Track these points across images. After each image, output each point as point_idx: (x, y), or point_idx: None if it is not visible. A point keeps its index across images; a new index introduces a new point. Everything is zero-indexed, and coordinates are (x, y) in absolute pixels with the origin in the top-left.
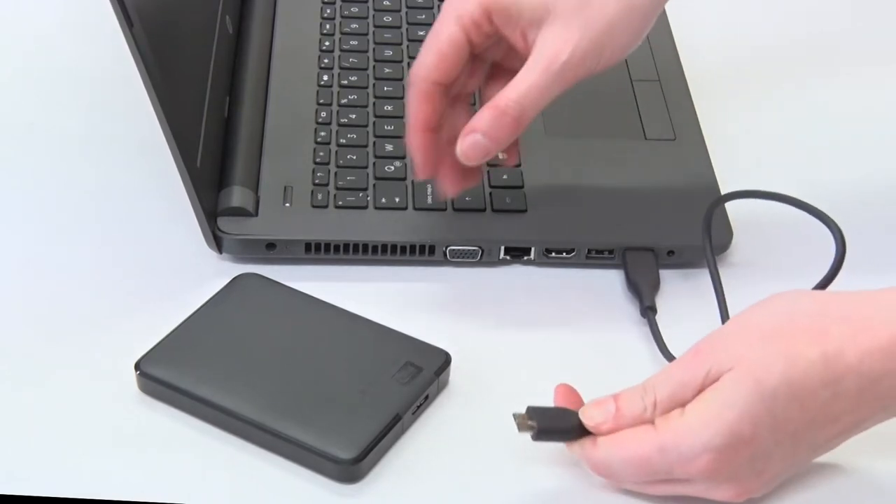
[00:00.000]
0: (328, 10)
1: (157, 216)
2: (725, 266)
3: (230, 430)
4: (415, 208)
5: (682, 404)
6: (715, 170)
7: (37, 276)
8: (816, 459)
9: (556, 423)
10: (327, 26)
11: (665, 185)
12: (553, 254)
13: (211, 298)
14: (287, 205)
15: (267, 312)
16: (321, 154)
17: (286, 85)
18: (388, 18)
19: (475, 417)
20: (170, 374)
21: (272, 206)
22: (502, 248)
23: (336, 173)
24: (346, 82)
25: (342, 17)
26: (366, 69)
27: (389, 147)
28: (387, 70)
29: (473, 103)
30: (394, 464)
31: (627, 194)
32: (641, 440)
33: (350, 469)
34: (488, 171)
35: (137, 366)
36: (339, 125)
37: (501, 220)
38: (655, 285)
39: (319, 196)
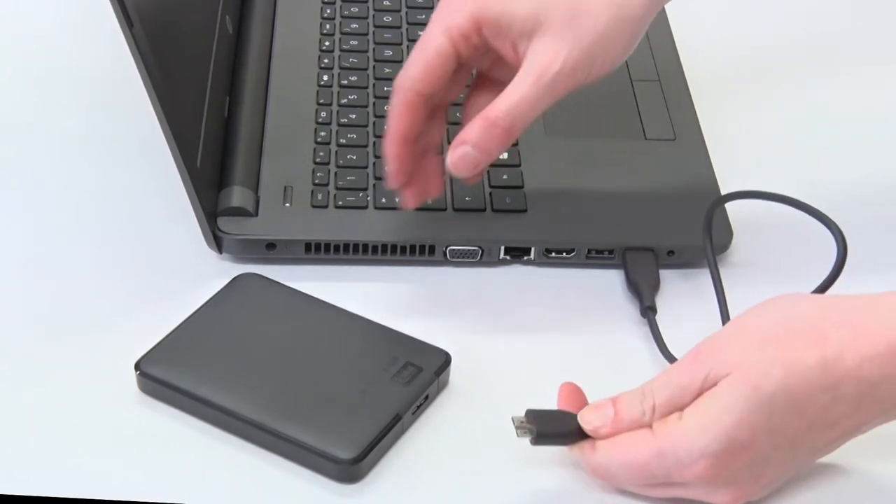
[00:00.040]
0: (328, 10)
1: (157, 216)
2: (725, 266)
3: (230, 430)
4: (415, 208)
5: (681, 408)
6: (715, 170)
7: (37, 276)
8: (822, 458)
9: (555, 428)
10: (327, 26)
11: (665, 185)
12: (553, 254)
13: (211, 298)
14: (287, 205)
15: (267, 312)
16: (321, 154)
17: (286, 85)
18: (388, 18)
19: (475, 417)
20: (170, 374)
21: (272, 206)
22: (502, 248)
23: (336, 173)
24: (346, 82)
25: (342, 17)
26: (366, 69)
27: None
28: (387, 70)
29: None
30: (394, 464)
31: (627, 194)
32: (639, 445)
33: (350, 469)
34: (488, 172)
35: (137, 366)
36: (339, 125)
37: (501, 220)
38: (655, 285)
39: (319, 196)
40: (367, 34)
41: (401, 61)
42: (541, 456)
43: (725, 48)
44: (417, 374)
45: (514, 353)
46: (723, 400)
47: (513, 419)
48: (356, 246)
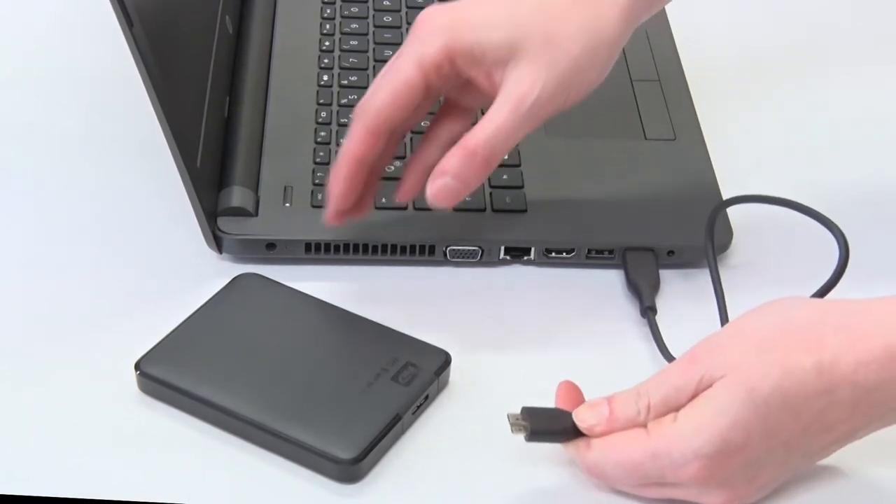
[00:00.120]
0: (328, 10)
1: (157, 216)
2: (725, 268)
3: (230, 430)
4: (415, 208)
5: (676, 409)
6: (715, 170)
7: (37, 276)
8: (817, 462)
9: (550, 425)
10: (327, 26)
11: (665, 185)
12: (553, 254)
13: (211, 298)
14: (287, 205)
15: (267, 312)
16: (321, 154)
17: (286, 85)
18: (388, 18)
19: (475, 417)
20: (170, 374)
21: (272, 206)
22: (502, 248)
23: None
24: (346, 82)
25: (342, 17)
26: (366, 69)
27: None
28: None
29: None
30: (394, 464)
31: (627, 194)
32: (634, 445)
33: (350, 469)
34: None
35: (137, 366)
36: (339, 125)
37: (501, 220)
38: (655, 285)
39: (319, 196)
40: (367, 34)
41: None
42: (540, 456)
43: (725, 48)
44: (417, 374)
45: (514, 353)
46: (718, 402)
47: (508, 416)
48: (356, 246)
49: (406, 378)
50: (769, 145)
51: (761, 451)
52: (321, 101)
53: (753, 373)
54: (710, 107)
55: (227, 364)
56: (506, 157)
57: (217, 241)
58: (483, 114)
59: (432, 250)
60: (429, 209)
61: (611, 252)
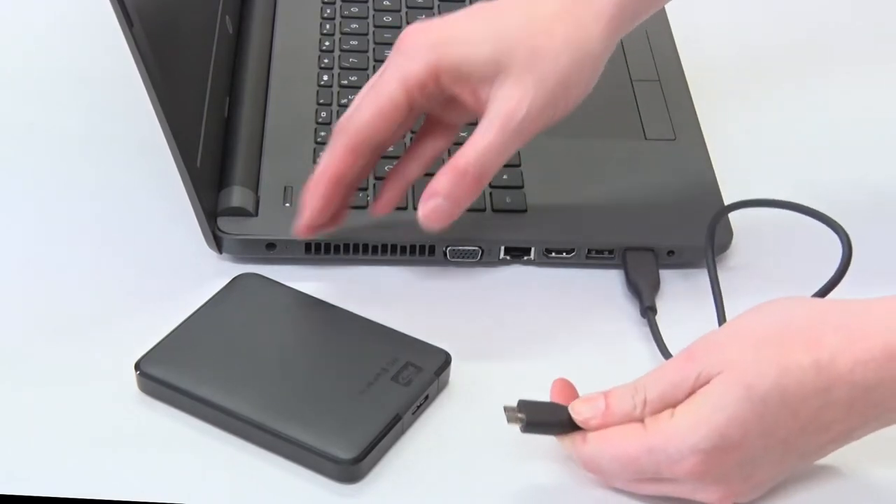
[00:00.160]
0: (328, 10)
1: (157, 216)
2: (725, 269)
3: (230, 430)
4: (415, 208)
5: (673, 405)
6: (715, 170)
7: (37, 276)
8: (814, 463)
9: (546, 417)
10: (327, 26)
11: (665, 185)
12: (553, 254)
13: (211, 298)
14: (287, 205)
15: (267, 312)
16: (321, 154)
17: (286, 85)
18: (388, 18)
19: (475, 417)
20: (170, 374)
21: (272, 206)
22: (502, 248)
23: None
24: (346, 82)
25: (342, 17)
26: (366, 69)
27: (389, 147)
28: None
29: None
30: (394, 464)
31: (627, 194)
32: (630, 439)
33: (350, 469)
34: None
35: (137, 366)
36: None
37: (501, 220)
38: (655, 285)
39: None
40: (367, 34)
41: None
42: (541, 456)
43: (725, 48)
44: (417, 374)
45: (514, 353)
46: (715, 398)
47: (504, 408)
48: (356, 246)
49: (406, 378)
50: (769, 145)
51: (758, 448)
52: (321, 101)
53: (751, 370)
54: (710, 107)
55: (227, 364)
56: None
57: (217, 241)
58: (465, 130)
59: (432, 250)
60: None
61: (611, 252)
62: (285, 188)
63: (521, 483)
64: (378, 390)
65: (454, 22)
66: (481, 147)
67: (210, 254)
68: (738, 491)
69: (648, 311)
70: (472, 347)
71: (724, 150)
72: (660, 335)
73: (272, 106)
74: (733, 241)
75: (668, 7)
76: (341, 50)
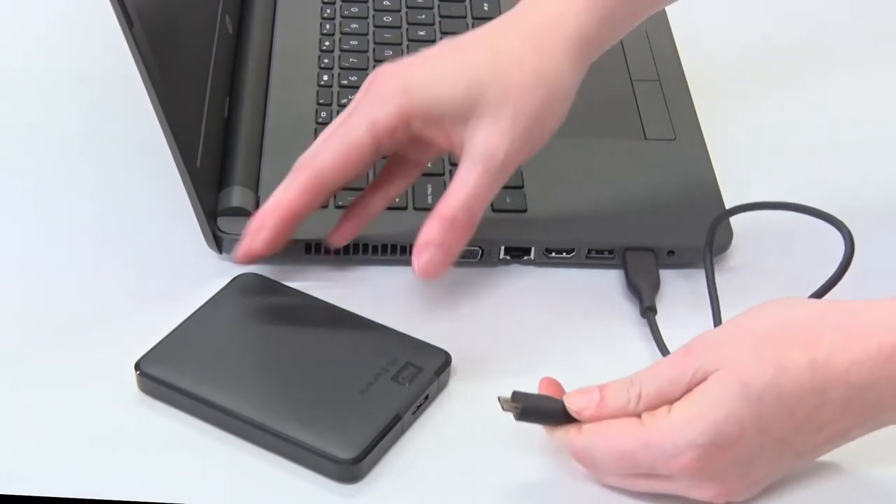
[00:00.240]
0: (328, 10)
1: (157, 216)
2: (725, 269)
3: (230, 430)
4: (415, 208)
5: (669, 401)
6: (715, 169)
7: (37, 276)
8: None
9: (540, 405)
10: (327, 26)
11: (665, 185)
12: (553, 254)
13: (211, 298)
14: None
15: (267, 312)
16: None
17: (286, 85)
18: (388, 18)
19: (475, 417)
20: (170, 374)
21: None
22: (502, 248)
23: None
24: (346, 82)
25: (342, 17)
26: (366, 69)
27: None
28: None
29: None
30: (394, 464)
31: (627, 194)
32: (627, 433)
33: (350, 469)
34: None
35: (137, 366)
36: None
37: (501, 220)
38: (655, 285)
39: None
40: (367, 34)
41: None
42: (540, 456)
43: (725, 48)
44: (417, 374)
45: (514, 353)
46: (713, 395)
47: (499, 398)
48: (356, 246)
49: (406, 378)
50: (769, 145)
51: (754, 446)
52: (321, 101)
53: (748, 368)
54: (710, 107)
55: (227, 364)
56: None
57: (217, 241)
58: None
59: None
60: (429, 209)
61: (611, 252)
62: None
63: (521, 483)
64: (378, 390)
65: (424, 64)
66: (467, 193)
67: (210, 254)
68: (733, 489)
69: (648, 312)
70: (472, 347)
71: (724, 150)
72: (660, 335)
73: (272, 106)
74: (733, 241)
75: (668, 7)
76: (341, 50)
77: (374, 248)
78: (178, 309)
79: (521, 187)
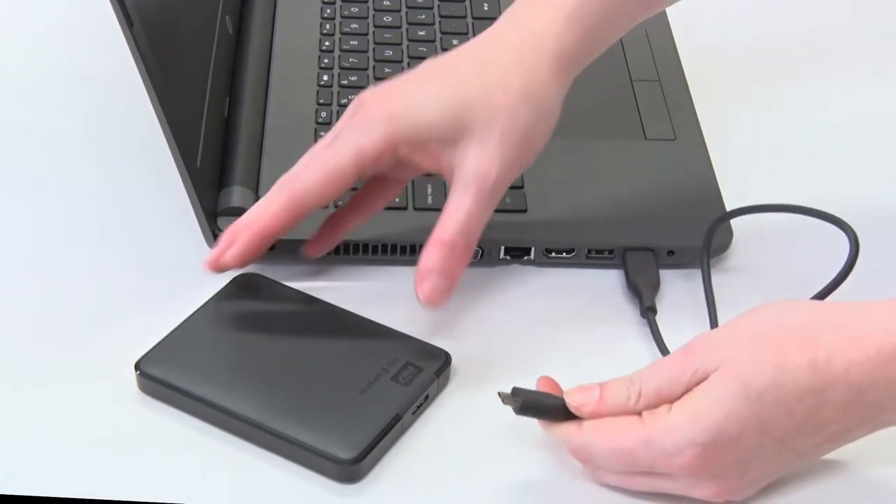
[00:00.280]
0: (328, 10)
1: (157, 216)
2: (725, 269)
3: (230, 430)
4: (415, 208)
5: (669, 400)
6: (715, 170)
7: (37, 276)
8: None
9: (540, 400)
10: (327, 26)
11: (665, 185)
12: (553, 254)
13: (211, 298)
14: None
15: (267, 312)
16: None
17: (286, 85)
18: (388, 18)
19: (475, 417)
20: (170, 374)
21: None
22: (502, 248)
23: None
24: (346, 82)
25: (342, 17)
26: (366, 69)
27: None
28: (387, 70)
29: None
30: (394, 464)
31: (627, 194)
32: (627, 431)
33: (350, 469)
34: None
35: (137, 366)
36: None
37: (501, 220)
38: (655, 285)
39: None
40: (367, 34)
41: (401, 61)
42: (541, 456)
43: (725, 48)
44: (417, 374)
45: (514, 353)
46: (713, 394)
47: (499, 393)
48: (356, 246)
49: (406, 378)
50: (769, 145)
51: (754, 445)
52: (321, 101)
53: (748, 368)
54: (710, 107)
55: (227, 364)
56: None
57: (217, 241)
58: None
59: None
60: (429, 209)
61: (611, 252)
62: None
63: (521, 483)
64: (378, 390)
65: (409, 86)
66: (462, 217)
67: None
68: (732, 487)
69: (648, 312)
70: (472, 347)
71: (724, 150)
72: (660, 335)
73: (272, 106)
74: (734, 242)
75: (668, 7)
76: (341, 50)
77: (374, 248)
78: (178, 309)
79: (521, 187)
